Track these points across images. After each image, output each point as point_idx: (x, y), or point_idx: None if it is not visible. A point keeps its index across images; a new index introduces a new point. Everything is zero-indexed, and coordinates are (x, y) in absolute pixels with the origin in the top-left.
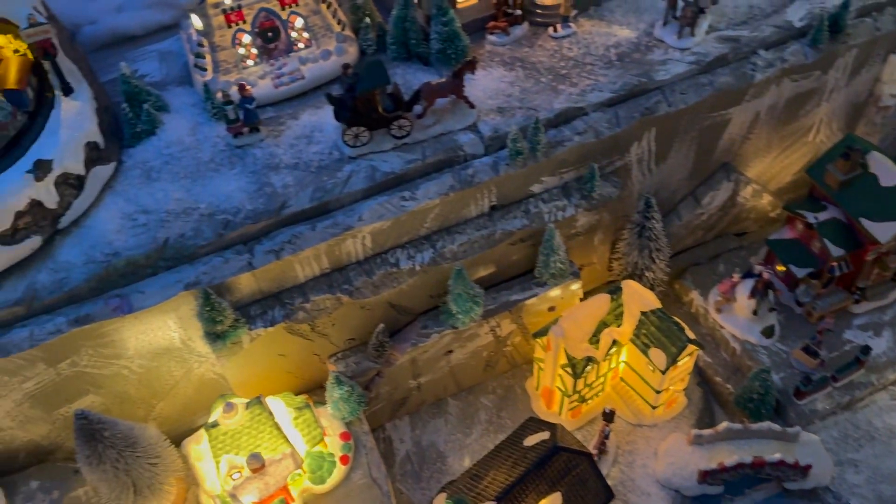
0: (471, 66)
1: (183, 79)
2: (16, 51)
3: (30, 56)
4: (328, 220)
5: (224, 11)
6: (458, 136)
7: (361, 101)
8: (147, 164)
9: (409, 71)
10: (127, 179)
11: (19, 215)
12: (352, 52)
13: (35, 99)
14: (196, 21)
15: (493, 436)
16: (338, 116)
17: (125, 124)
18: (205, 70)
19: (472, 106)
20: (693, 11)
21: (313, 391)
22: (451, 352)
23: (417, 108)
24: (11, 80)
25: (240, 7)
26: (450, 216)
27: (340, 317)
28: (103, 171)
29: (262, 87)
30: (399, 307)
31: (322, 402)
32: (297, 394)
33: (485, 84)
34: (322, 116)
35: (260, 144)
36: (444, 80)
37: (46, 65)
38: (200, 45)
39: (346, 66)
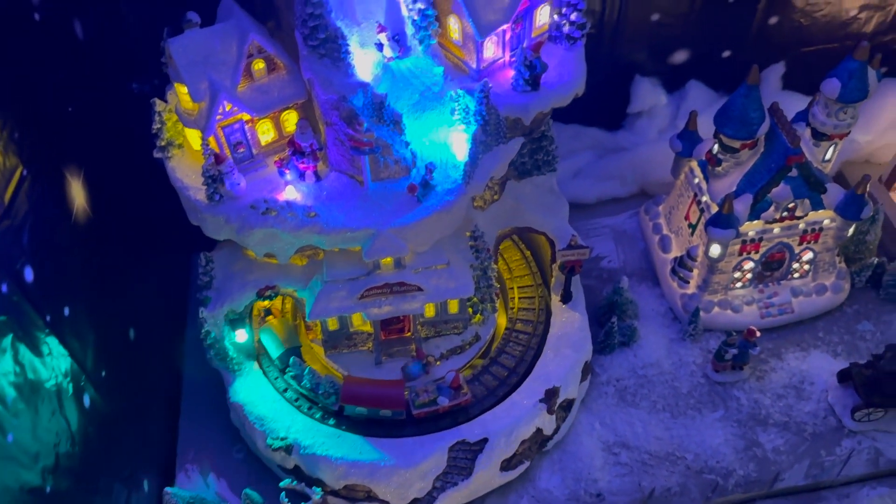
0: None
1: (643, 273)
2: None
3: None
4: (820, 502)
5: (744, 242)
6: None
7: None
8: (621, 383)
9: None
10: (601, 397)
11: (522, 443)
12: (846, 290)
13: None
14: (715, 249)
15: None
16: (839, 378)
17: (602, 330)
18: (686, 283)
19: None
20: None
21: None
22: None
23: None
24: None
25: (761, 239)
26: None
27: None
28: (583, 387)
29: (746, 314)
30: None
31: None
32: None
33: None
34: (810, 363)
35: (742, 386)
36: None
37: (556, 271)
38: (692, 257)
39: None
